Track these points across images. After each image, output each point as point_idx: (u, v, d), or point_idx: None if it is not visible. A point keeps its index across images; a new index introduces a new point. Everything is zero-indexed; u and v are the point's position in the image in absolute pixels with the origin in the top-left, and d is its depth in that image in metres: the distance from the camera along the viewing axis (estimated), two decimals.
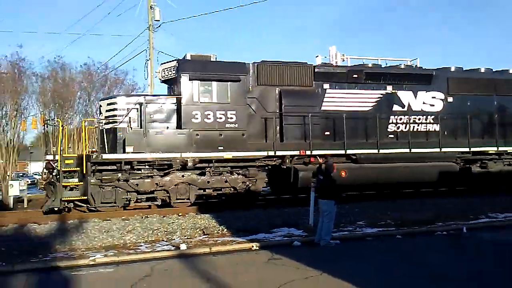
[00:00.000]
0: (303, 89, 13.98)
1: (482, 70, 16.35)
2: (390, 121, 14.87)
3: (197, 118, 12.54)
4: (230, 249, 8.16)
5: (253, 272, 6.65)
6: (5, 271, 6.95)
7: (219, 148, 12.65)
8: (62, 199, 11.77)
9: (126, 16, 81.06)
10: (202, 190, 12.86)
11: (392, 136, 14.87)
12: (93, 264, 7.31)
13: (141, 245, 8.82)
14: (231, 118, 12.84)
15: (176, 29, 69.53)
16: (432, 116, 15.30)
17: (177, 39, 57.25)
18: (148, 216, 11.45)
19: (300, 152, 13.42)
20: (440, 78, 15.57)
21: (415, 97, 15.22)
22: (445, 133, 15.47)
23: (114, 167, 12.11)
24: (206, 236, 9.46)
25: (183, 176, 12.53)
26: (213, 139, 12.62)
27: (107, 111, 12.72)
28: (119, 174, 12.08)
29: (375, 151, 14.11)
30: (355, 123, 14.42)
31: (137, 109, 12.50)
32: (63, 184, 11.78)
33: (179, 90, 12.66)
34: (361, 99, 14.59)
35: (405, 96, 15.11)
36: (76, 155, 12.92)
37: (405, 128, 14.97)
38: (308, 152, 13.46)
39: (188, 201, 12.68)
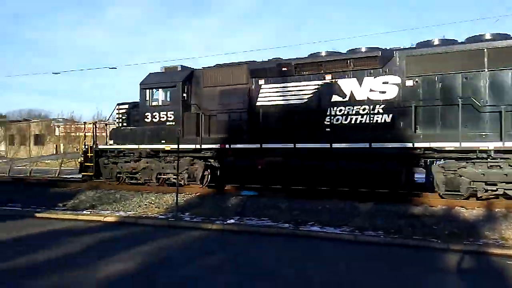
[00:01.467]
0: (240, 87, 15.01)
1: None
2: (328, 113, 13.63)
3: (148, 118, 16.19)
4: None
5: None
6: (441, 248, 7.88)
7: (162, 141, 15.83)
8: None
9: None
10: (162, 174, 16.31)
11: (329, 129, 13.61)
12: None
13: None
14: (170, 117, 15.75)
15: None
16: (382, 105, 12.88)
17: None
18: None
19: (220, 146, 14.81)
20: (396, 59, 12.79)
21: (360, 84, 13.22)
22: (401, 125, 12.70)
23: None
24: None
25: (147, 162, 16.48)
26: (158, 135, 15.93)
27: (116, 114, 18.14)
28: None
29: (300, 145, 13.60)
30: (284, 117, 14.20)
31: (125, 112, 17.30)
32: None
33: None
34: (294, 92, 14.13)
35: (347, 84, 13.40)
36: None
37: (345, 120, 13.37)
38: (227, 146, 14.67)
39: (154, 181, 16.41)
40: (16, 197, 14.65)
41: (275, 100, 14.47)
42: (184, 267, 7.19)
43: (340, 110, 13.43)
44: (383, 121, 12.89)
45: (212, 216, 11.38)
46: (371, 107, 13.02)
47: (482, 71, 11.73)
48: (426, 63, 12.40)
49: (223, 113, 15.07)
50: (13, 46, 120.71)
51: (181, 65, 16.60)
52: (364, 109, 13.15)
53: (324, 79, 13.76)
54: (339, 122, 13.45)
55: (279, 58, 15.09)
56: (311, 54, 14.46)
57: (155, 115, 16.09)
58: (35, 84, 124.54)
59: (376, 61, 12.99)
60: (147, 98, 16.31)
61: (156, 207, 13.07)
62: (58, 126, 49.76)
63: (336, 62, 13.59)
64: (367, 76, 13.17)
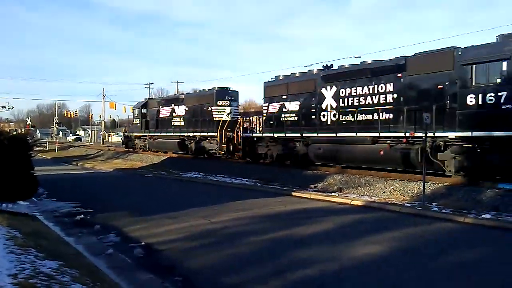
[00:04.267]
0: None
1: None
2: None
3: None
4: None
5: None
6: None
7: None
8: None
9: None
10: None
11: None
12: None
13: None
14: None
15: None
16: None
17: None
18: None
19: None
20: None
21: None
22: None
23: None
24: None
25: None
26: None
27: None
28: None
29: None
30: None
31: None
32: None
33: None
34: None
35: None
36: None
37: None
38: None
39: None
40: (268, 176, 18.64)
41: None
42: (434, 259, 6.87)
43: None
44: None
45: (463, 208, 10.93)
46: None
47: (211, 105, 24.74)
48: (191, 100, 28.10)
49: None
50: (271, 45, 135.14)
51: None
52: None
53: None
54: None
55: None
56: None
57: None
58: None
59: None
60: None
61: (400, 194, 13.16)
62: None
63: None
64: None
